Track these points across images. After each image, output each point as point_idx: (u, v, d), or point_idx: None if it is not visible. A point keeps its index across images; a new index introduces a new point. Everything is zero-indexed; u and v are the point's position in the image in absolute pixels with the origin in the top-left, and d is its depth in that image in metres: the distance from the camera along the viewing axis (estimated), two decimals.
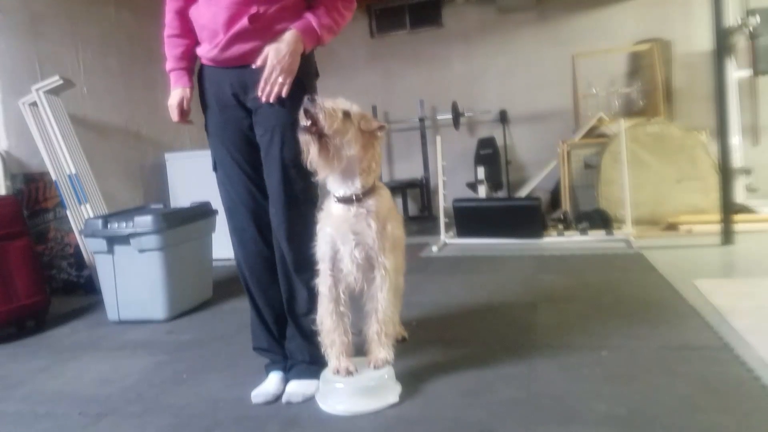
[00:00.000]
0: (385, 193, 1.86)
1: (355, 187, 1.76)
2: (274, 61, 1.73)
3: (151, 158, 4.92)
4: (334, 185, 1.79)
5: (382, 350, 1.81)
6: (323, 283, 1.81)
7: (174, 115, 1.91)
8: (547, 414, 1.62)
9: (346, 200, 1.77)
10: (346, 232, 1.77)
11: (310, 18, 1.79)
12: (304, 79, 1.83)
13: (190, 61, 1.92)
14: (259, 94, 1.75)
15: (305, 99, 1.66)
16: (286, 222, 1.81)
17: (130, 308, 3.01)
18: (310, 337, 1.87)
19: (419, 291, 3.10)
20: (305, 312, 1.87)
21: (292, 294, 1.88)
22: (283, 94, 1.75)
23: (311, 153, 1.68)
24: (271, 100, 1.75)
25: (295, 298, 1.88)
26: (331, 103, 1.69)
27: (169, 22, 1.90)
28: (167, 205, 4.20)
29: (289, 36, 1.76)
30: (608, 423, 1.57)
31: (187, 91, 1.90)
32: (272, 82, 1.74)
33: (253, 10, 1.73)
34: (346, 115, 1.70)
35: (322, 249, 1.80)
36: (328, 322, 1.81)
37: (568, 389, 1.80)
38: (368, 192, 1.78)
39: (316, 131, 1.66)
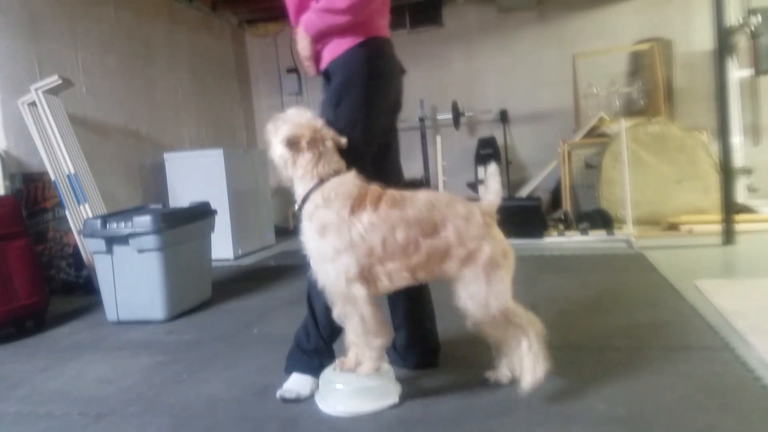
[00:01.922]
0: (328, 187, 1.69)
1: (297, 196, 1.77)
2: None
3: (151, 158, 4.92)
4: None
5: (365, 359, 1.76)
6: None
7: None
8: (547, 414, 1.62)
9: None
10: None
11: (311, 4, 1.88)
12: (348, 80, 1.86)
13: None
14: None
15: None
16: None
17: (130, 308, 3.00)
18: None
19: None
20: None
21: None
22: (309, 73, 1.98)
23: None
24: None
25: None
26: (270, 123, 1.80)
27: None
28: (166, 205, 4.20)
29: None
30: (608, 423, 1.57)
31: None
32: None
33: None
34: (271, 129, 1.79)
35: None
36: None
37: (568, 389, 1.79)
38: (306, 197, 1.73)
39: None
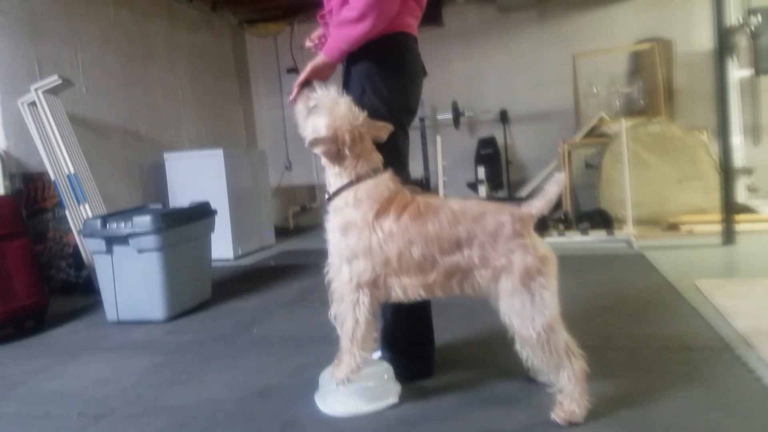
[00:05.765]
0: (362, 188, 1.64)
1: (328, 185, 1.72)
2: None
3: (150, 158, 4.92)
4: None
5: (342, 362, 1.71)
6: None
7: None
8: (547, 414, 1.61)
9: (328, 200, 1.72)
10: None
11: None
12: (373, 71, 1.82)
13: None
14: None
15: None
16: None
17: (129, 309, 3.00)
18: None
19: None
20: None
21: None
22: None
23: None
24: None
25: None
26: (301, 101, 1.75)
27: None
28: (166, 205, 4.19)
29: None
30: (608, 423, 1.57)
31: None
32: None
33: None
34: (301, 111, 1.74)
35: None
36: None
37: None
38: (337, 191, 1.68)
39: None
